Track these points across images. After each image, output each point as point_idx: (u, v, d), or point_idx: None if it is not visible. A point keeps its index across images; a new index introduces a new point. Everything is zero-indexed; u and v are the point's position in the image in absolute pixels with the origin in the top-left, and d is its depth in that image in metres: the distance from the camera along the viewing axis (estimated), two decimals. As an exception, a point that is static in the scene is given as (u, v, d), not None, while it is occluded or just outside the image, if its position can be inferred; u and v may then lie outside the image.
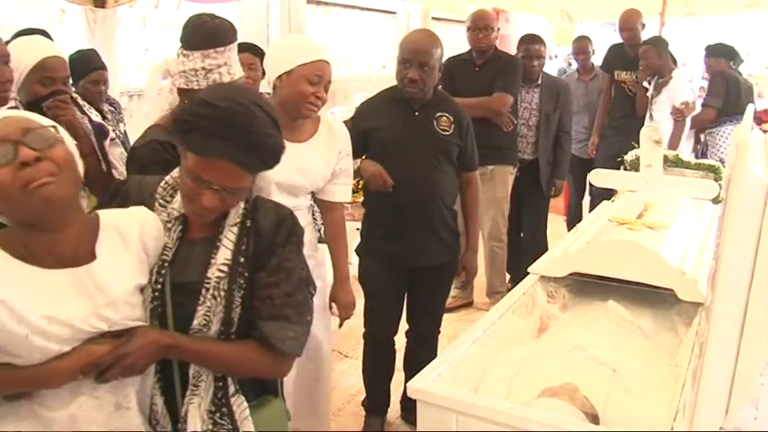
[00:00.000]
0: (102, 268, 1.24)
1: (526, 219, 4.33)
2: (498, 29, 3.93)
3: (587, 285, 2.11)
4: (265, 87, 3.41)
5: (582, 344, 1.78)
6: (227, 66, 1.83)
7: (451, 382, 1.51)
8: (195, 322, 1.32)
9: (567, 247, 2.17)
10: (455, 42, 9.77)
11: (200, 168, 1.26)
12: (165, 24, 4.92)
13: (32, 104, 2.05)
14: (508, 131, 3.78)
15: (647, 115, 4.52)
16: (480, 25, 3.75)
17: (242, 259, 1.35)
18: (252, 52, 3.17)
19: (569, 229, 4.10)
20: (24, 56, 2.00)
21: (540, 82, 4.09)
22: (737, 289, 1.06)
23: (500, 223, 3.99)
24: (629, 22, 4.65)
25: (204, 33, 1.78)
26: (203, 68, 1.79)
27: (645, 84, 4.57)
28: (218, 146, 1.24)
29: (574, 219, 4.81)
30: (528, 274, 2.16)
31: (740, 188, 1.02)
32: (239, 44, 3.26)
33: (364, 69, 7.95)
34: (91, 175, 2.10)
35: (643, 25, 4.70)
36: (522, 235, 4.41)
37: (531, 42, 4.08)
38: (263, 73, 3.18)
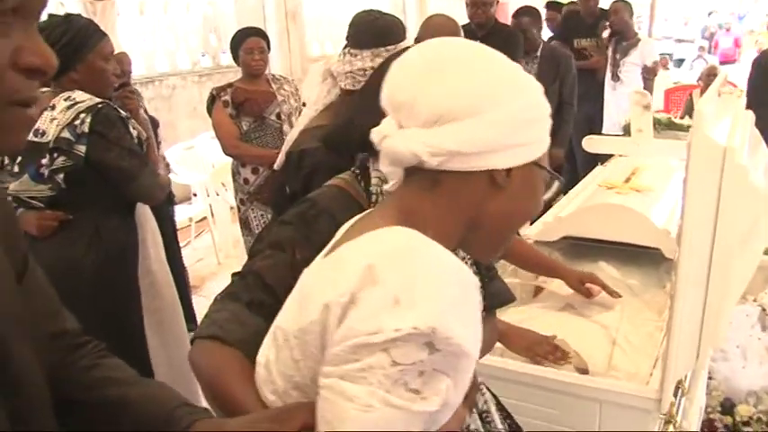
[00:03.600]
0: None
1: None
2: (497, 1, 4.00)
3: (579, 248, 2.21)
4: (277, 70, 3.53)
5: (573, 303, 1.89)
6: None
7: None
8: None
9: (559, 212, 2.28)
10: (450, 15, 9.71)
11: None
12: (163, 11, 4.99)
13: None
14: None
15: (610, 77, 4.73)
16: (478, 1, 3.83)
17: None
18: (261, 36, 3.29)
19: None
20: None
21: (538, 53, 4.16)
22: (701, 243, 1.16)
23: None
24: None
25: (374, 31, 1.69)
26: (372, 68, 1.64)
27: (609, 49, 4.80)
28: None
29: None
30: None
31: (699, 152, 1.12)
32: (247, 29, 3.39)
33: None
34: (149, 157, 2.27)
35: None
36: None
37: (519, 15, 4.19)
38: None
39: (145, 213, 2.21)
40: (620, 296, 1.85)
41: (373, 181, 1.11)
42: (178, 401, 0.82)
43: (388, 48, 1.67)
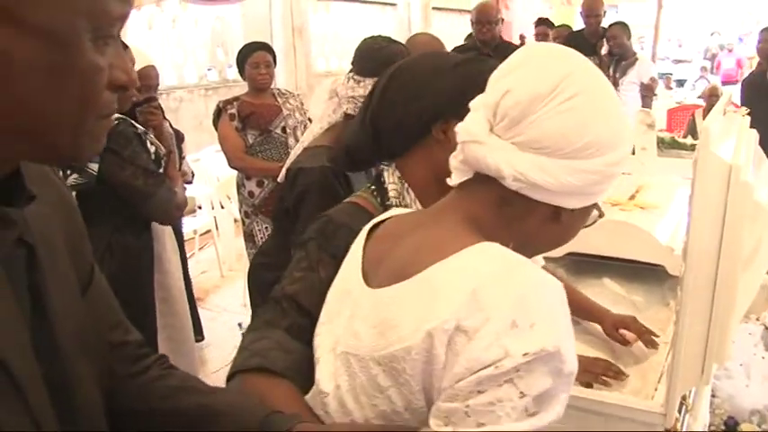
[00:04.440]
0: None
1: None
2: (502, 20, 4.09)
3: (583, 264, 2.22)
4: (283, 85, 3.57)
5: (577, 318, 1.90)
6: None
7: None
8: None
9: (564, 228, 2.28)
10: (455, 32, 9.83)
11: None
12: (172, 26, 5.04)
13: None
14: None
15: None
16: (483, 20, 3.94)
17: None
18: (267, 50, 3.33)
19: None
20: None
21: None
22: (706, 259, 1.17)
23: None
24: (596, 9, 4.98)
25: (378, 60, 1.67)
26: None
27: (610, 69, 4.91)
28: None
29: None
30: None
31: (705, 169, 1.13)
32: (253, 43, 3.43)
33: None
34: (168, 174, 2.28)
35: (604, 12, 5.06)
36: None
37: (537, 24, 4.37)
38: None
39: (163, 227, 2.22)
40: (656, 347, 1.71)
41: (391, 194, 1.11)
42: (271, 409, 0.80)
43: None
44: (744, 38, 15.07)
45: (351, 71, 1.73)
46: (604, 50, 4.93)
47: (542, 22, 5.44)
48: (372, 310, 0.79)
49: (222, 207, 4.61)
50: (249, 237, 3.40)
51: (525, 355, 0.63)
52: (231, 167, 3.40)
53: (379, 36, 1.77)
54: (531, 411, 0.65)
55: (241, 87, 3.76)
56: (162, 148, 2.14)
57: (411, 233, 0.83)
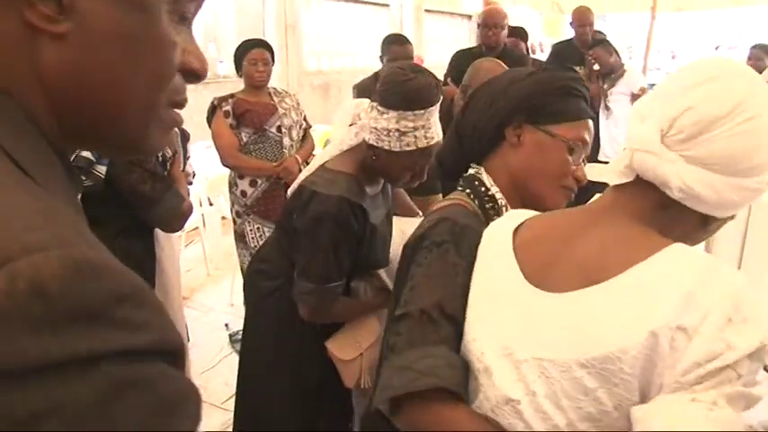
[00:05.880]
0: None
1: None
2: (508, 26, 4.07)
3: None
4: (274, 82, 3.51)
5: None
6: (425, 129, 1.60)
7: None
8: None
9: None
10: (446, 34, 9.83)
11: (582, 132, 1.19)
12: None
13: None
14: None
15: (602, 107, 4.81)
16: (491, 23, 3.91)
17: None
18: (264, 47, 3.27)
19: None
20: None
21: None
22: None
23: None
24: (587, 18, 4.92)
25: (404, 94, 1.58)
26: (397, 130, 1.59)
27: (600, 81, 4.89)
28: (584, 106, 1.22)
29: None
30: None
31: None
32: (252, 40, 3.37)
33: (358, 61, 8.05)
34: (172, 174, 2.22)
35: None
36: None
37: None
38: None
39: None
40: None
41: (498, 196, 1.17)
42: None
43: (416, 112, 1.58)
44: (727, 52, 15.22)
45: (375, 99, 1.64)
46: (595, 66, 4.90)
47: (515, 33, 5.07)
48: (562, 315, 0.82)
49: (211, 204, 4.54)
50: (240, 237, 3.35)
51: (750, 346, 0.70)
52: (224, 165, 3.35)
53: (406, 65, 1.65)
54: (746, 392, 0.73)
55: (233, 83, 3.71)
56: (167, 150, 2.08)
57: (580, 235, 0.88)
